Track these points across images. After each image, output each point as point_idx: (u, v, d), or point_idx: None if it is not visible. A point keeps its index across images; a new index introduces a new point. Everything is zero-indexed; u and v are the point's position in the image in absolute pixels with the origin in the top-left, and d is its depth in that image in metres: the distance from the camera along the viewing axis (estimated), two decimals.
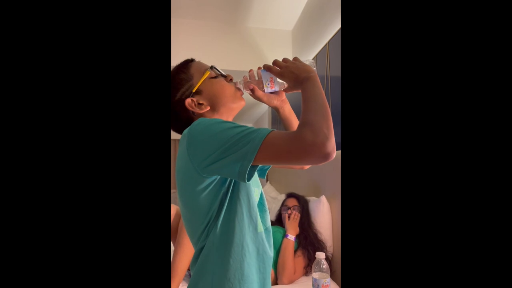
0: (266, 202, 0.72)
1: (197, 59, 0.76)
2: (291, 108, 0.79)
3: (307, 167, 0.83)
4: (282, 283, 1.53)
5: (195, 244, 0.63)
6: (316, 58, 2.37)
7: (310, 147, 0.49)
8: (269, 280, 0.65)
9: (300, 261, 1.61)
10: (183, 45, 2.71)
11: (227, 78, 0.73)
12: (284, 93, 0.74)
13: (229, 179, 0.60)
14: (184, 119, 0.68)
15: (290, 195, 1.97)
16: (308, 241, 1.67)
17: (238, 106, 0.72)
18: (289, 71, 0.64)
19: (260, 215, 0.65)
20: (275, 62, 0.67)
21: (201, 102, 0.69)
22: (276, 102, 0.74)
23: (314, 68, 0.67)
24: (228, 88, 0.71)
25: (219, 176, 0.58)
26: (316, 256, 1.25)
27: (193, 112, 0.69)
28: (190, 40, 2.86)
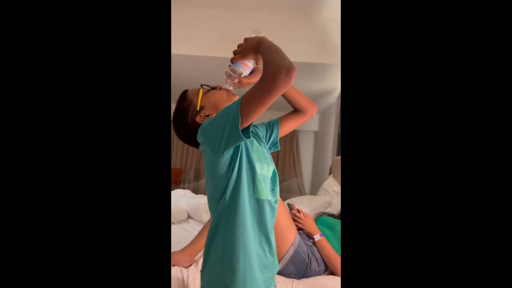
0: (278, 178, 0.87)
1: None
2: None
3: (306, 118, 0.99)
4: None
5: (214, 209, 0.78)
6: None
7: (275, 75, 0.62)
8: (271, 235, 0.80)
9: None
10: None
11: (217, 88, 0.90)
12: (260, 68, 0.85)
13: (237, 153, 0.75)
14: None
15: None
16: None
17: None
18: (246, 50, 0.79)
19: (272, 189, 0.83)
20: (234, 52, 0.82)
21: (207, 114, 0.86)
22: (260, 76, 0.85)
23: (263, 34, 0.79)
24: (223, 95, 0.88)
25: (230, 153, 0.74)
26: None
27: None
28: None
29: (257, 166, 0.79)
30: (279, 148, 0.96)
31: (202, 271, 0.80)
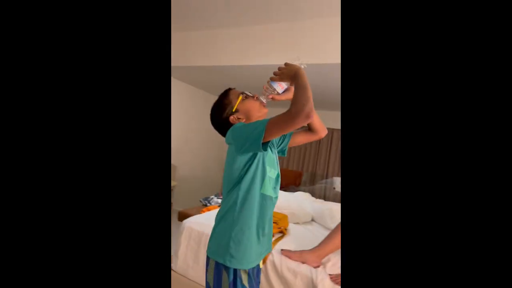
0: (280, 180, 1.11)
1: None
2: None
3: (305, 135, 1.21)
4: None
5: (227, 192, 1.02)
6: None
7: (296, 115, 0.81)
8: (267, 222, 1.04)
9: None
10: None
11: (254, 97, 1.10)
12: (292, 88, 1.03)
13: (255, 156, 0.98)
14: (229, 128, 1.04)
15: None
16: None
17: (263, 114, 1.11)
18: (285, 75, 0.99)
19: (274, 187, 1.06)
20: (274, 73, 1.02)
21: (239, 117, 1.08)
22: (290, 95, 1.06)
23: (299, 62, 0.98)
24: (255, 105, 1.09)
25: (250, 154, 0.98)
26: None
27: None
28: None
29: (267, 169, 1.02)
30: (285, 155, 1.23)
31: (210, 238, 1.03)
